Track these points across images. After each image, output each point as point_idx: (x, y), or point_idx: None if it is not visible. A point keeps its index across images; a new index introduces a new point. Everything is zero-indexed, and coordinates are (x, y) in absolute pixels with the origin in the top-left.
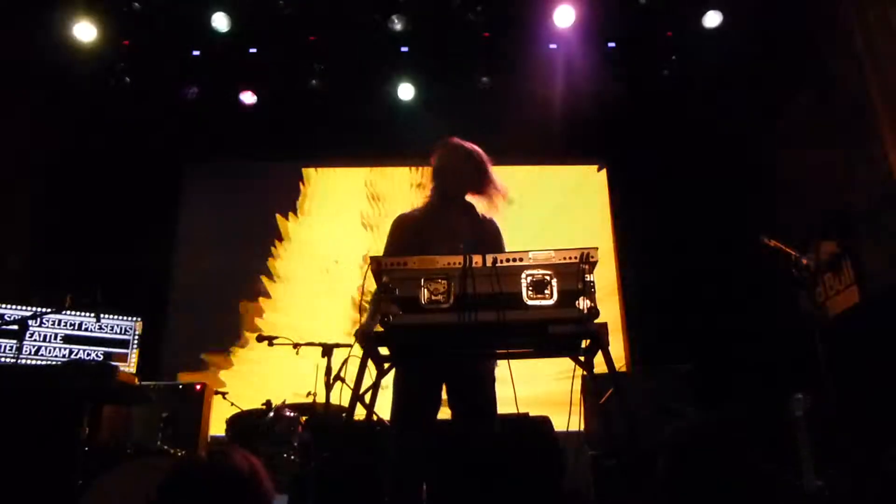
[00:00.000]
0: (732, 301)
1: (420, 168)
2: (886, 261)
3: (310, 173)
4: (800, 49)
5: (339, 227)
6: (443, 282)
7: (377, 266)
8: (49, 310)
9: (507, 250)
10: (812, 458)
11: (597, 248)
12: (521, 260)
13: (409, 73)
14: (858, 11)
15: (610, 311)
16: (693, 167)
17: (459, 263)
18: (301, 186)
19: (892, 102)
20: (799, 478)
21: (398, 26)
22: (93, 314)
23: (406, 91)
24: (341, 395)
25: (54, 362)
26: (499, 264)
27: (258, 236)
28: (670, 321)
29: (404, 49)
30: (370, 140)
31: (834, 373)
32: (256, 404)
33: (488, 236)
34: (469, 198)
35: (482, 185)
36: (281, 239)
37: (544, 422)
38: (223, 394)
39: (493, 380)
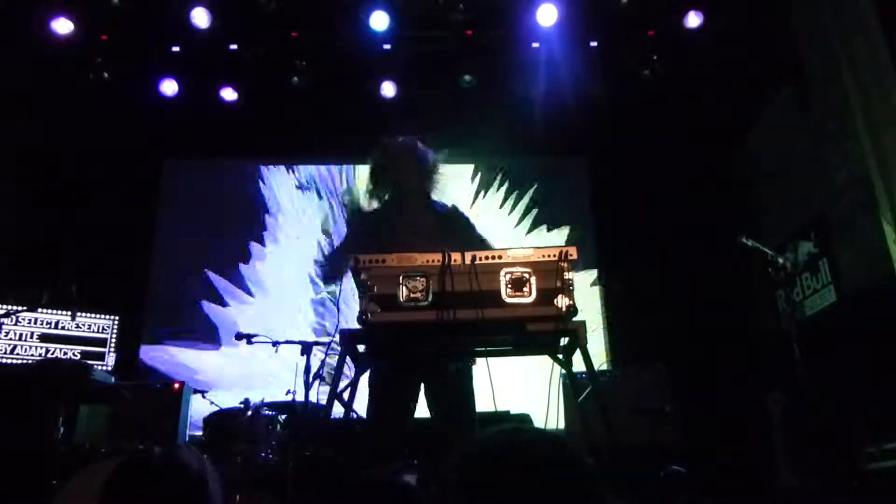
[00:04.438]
0: (711, 300)
1: None
2: (863, 261)
3: (291, 171)
4: (780, 52)
5: (320, 224)
6: (421, 279)
7: (356, 264)
8: (23, 308)
9: (478, 232)
10: (787, 456)
11: (575, 247)
12: (499, 258)
13: (392, 71)
14: (837, 16)
15: (591, 308)
16: (674, 166)
17: (438, 261)
18: (282, 184)
19: (869, 106)
20: (773, 475)
21: (381, 24)
22: (68, 312)
23: (388, 89)
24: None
25: (29, 361)
26: (477, 262)
27: (238, 234)
28: (650, 320)
29: (387, 47)
30: (352, 138)
31: (810, 371)
32: (236, 403)
33: (455, 224)
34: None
35: (428, 174)
36: (261, 237)
37: (525, 419)
38: (202, 392)
39: (472, 377)
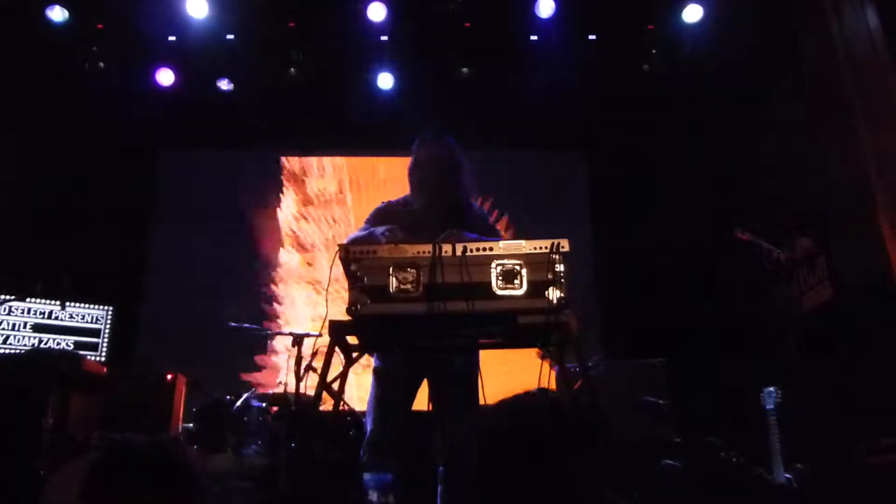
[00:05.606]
0: (708, 294)
1: (399, 158)
2: (860, 257)
3: (287, 162)
4: (779, 47)
5: (319, 216)
6: (412, 270)
7: (346, 254)
8: (12, 297)
9: (498, 232)
10: (782, 452)
11: (567, 240)
12: (490, 249)
13: (389, 63)
14: (837, 13)
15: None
16: (672, 160)
17: (429, 252)
18: (278, 175)
19: (869, 101)
20: (769, 471)
21: (378, 15)
22: (58, 302)
23: (385, 80)
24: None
25: (20, 351)
26: (468, 254)
27: (234, 224)
28: (647, 314)
29: (384, 38)
30: (349, 129)
31: (806, 367)
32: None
33: (472, 230)
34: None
35: (459, 188)
36: (258, 228)
37: None
38: (196, 383)
39: (477, 375)
